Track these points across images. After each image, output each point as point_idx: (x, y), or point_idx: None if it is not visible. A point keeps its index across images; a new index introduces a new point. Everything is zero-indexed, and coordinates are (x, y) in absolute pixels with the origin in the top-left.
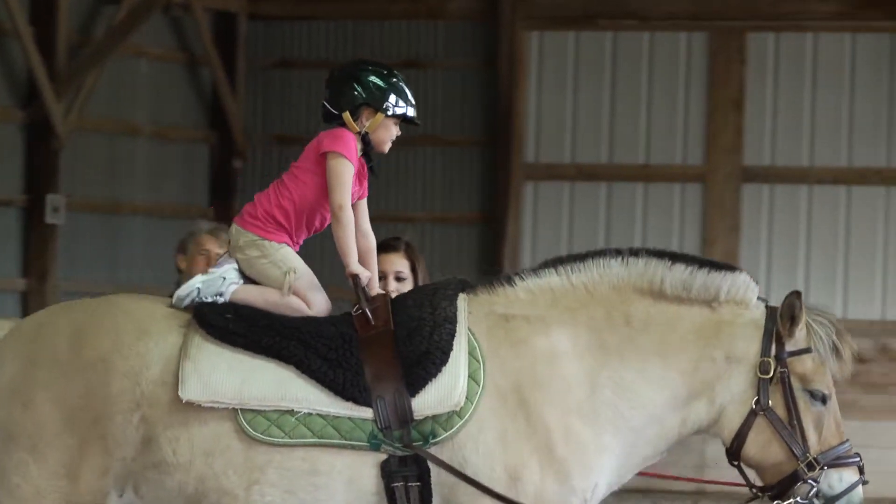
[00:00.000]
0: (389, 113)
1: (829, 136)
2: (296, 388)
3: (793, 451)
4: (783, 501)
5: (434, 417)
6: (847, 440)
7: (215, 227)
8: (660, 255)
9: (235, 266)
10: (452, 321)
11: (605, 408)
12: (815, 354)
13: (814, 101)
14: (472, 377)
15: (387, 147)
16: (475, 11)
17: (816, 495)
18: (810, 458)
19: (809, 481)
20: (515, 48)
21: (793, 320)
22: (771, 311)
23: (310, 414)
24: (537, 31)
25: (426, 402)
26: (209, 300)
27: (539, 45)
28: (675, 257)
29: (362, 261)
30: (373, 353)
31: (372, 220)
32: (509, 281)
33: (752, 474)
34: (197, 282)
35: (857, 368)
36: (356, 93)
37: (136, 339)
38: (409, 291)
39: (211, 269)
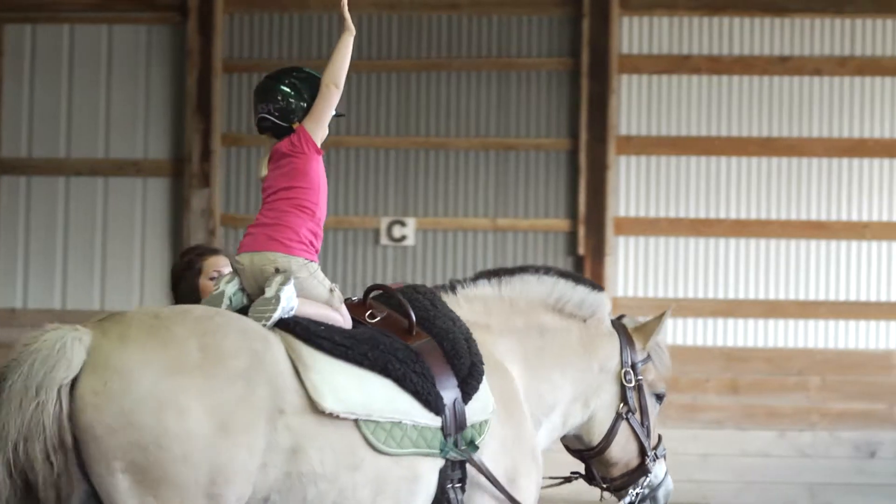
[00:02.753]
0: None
1: (87, 128)
2: (401, 401)
3: (643, 448)
4: (633, 490)
5: (472, 425)
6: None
7: None
8: (565, 275)
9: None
10: (470, 332)
11: (531, 414)
12: (655, 361)
13: (71, 93)
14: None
15: None
16: None
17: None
18: (653, 452)
19: (648, 472)
20: None
21: (651, 333)
22: (615, 324)
23: (408, 424)
24: None
25: (474, 411)
26: (286, 316)
27: None
28: (576, 279)
29: None
30: (433, 365)
31: None
32: (452, 289)
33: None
34: (283, 300)
35: None
36: (303, 104)
37: (265, 349)
38: (396, 300)
39: (286, 287)
